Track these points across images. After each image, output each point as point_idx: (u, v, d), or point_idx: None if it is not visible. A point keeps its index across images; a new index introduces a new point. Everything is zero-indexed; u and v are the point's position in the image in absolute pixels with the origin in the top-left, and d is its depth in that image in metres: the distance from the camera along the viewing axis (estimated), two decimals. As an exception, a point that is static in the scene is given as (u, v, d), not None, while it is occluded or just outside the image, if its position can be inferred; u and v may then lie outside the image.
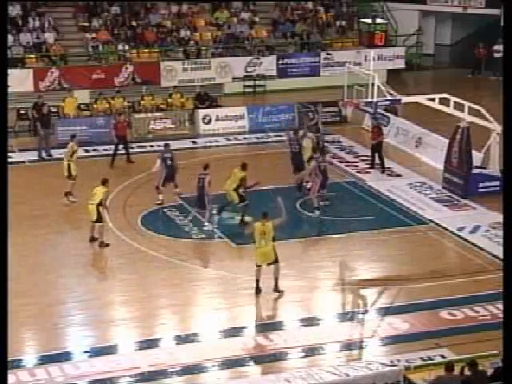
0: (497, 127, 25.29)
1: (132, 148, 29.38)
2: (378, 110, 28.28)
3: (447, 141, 26.56)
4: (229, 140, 29.67)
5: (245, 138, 31.21)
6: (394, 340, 17.78)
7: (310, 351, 17.33)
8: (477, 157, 26.02)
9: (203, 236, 22.75)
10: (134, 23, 37.07)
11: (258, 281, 19.46)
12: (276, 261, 19.36)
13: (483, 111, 25.75)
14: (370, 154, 28.41)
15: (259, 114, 32.57)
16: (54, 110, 31.10)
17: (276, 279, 19.50)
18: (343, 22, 39.71)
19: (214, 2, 39.14)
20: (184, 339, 17.79)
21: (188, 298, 19.73)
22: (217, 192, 25.51)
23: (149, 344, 17.53)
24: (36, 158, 28.69)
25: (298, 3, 40.25)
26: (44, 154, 28.80)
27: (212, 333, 18.07)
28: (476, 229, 23.32)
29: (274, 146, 29.95)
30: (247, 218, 22.92)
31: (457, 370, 14.14)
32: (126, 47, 35.93)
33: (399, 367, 15.40)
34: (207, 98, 33.44)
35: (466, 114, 25.72)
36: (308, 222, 24.14)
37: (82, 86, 33.62)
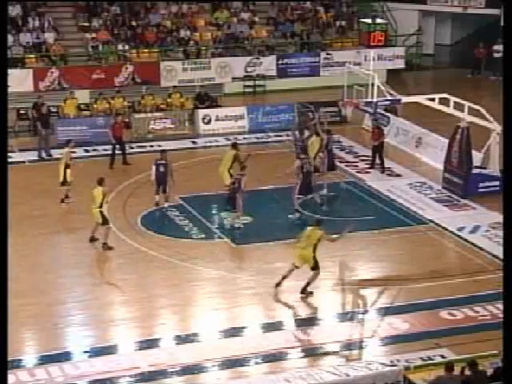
0: (497, 127, 25.29)
1: (132, 148, 29.40)
2: (378, 110, 28.28)
3: (447, 141, 26.56)
4: (229, 140, 29.61)
5: (245, 138, 31.19)
6: (394, 340, 17.79)
7: (310, 351, 17.34)
8: (477, 157, 26.02)
9: (203, 236, 22.76)
10: (133, 23, 37.06)
11: (284, 277, 19.52)
12: (315, 268, 19.41)
13: (483, 111, 25.76)
14: (369, 154, 28.44)
15: (259, 114, 32.57)
16: (53, 110, 31.12)
17: (308, 283, 19.50)
18: (343, 22, 39.70)
19: (214, 2, 39.14)
20: (184, 339, 17.79)
21: (188, 298, 19.73)
22: (216, 192, 25.59)
23: (149, 344, 17.54)
24: (36, 158, 28.69)
25: (298, 3, 40.25)
26: (44, 154, 28.80)
27: (212, 333, 18.07)
28: (476, 229, 23.32)
29: (274, 146, 29.96)
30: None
31: (457, 370, 14.15)
32: (126, 47, 35.92)
33: (399, 367, 15.41)
34: (207, 97, 33.44)
35: (466, 114, 25.72)
36: (308, 222, 24.10)
37: (82, 86, 33.60)
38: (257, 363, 16.91)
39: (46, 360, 16.84)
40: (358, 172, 27.71)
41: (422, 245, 22.51)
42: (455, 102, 26.14)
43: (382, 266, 21.49)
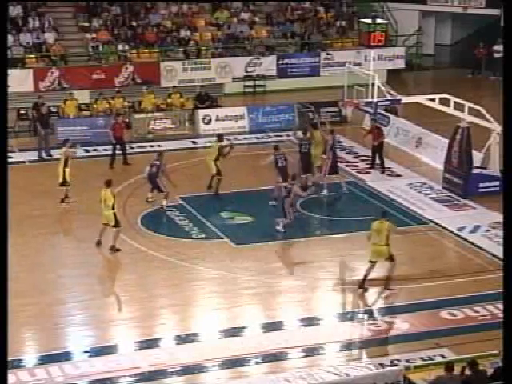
0: (497, 127, 25.29)
1: (132, 148, 29.40)
2: (378, 110, 28.27)
3: (447, 141, 26.56)
4: (229, 140, 29.57)
5: (245, 138, 31.19)
6: (394, 340, 17.79)
7: (310, 351, 17.33)
8: (477, 157, 26.01)
9: (203, 236, 22.76)
10: (134, 23, 37.08)
11: (365, 276, 19.56)
12: (391, 259, 19.44)
13: (483, 111, 25.75)
14: (369, 153, 28.44)
15: (259, 114, 32.56)
16: (53, 110, 31.12)
17: (389, 277, 19.56)
18: (343, 22, 39.70)
19: (214, 2, 39.15)
20: (184, 339, 17.79)
21: (188, 298, 19.73)
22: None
23: (149, 344, 17.53)
24: (36, 158, 28.69)
25: (298, 3, 40.25)
26: (44, 154, 28.80)
27: (212, 333, 18.07)
28: (476, 229, 23.32)
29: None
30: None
31: (457, 370, 14.15)
32: (126, 47, 35.93)
33: (399, 367, 15.41)
34: (207, 97, 33.44)
35: (466, 114, 25.71)
36: (308, 222, 24.14)
37: (82, 86, 33.60)
38: (257, 363, 16.91)
39: (46, 360, 16.83)
40: (358, 172, 27.70)
41: (422, 245, 22.50)
42: (455, 102, 26.13)
43: (381, 266, 21.44)
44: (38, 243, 22.39)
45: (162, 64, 35.35)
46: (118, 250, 21.47)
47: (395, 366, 16.12)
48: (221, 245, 22.38)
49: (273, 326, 18.34)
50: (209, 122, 31.98)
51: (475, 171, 25.65)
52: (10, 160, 25.03)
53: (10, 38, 33.75)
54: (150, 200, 24.41)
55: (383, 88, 26.57)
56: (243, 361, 16.94)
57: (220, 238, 22.71)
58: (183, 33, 37.03)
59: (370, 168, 27.74)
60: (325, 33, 39.19)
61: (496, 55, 39.23)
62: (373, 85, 25.66)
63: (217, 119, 32.06)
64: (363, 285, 19.65)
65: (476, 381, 13.94)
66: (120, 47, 35.88)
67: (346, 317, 18.81)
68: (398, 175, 27.50)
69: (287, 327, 18.43)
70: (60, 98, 32.12)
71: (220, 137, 26.08)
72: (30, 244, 22.14)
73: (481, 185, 25.48)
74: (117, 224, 21.48)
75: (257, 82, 36.84)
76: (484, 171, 25.82)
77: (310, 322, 18.50)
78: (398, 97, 27.04)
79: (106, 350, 17.26)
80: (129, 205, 24.50)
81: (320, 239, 22.78)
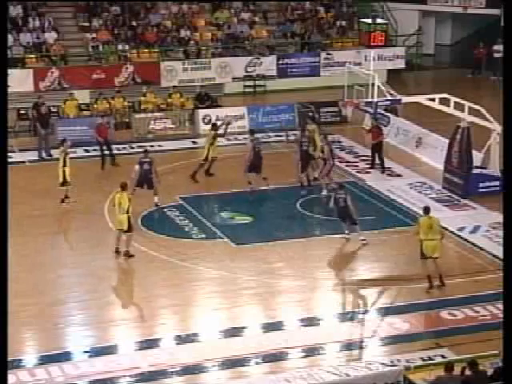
0: (497, 127, 25.28)
1: (132, 148, 29.39)
2: (378, 110, 28.26)
3: (447, 141, 26.55)
4: (229, 140, 29.61)
5: (245, 138, 31.11)
6: (394, 340, 17.78)
7: (310, 351, 17.33)
8: (477, 157, 26.01)
9: (203, 236, 22.76)
10: (134, 23, 37.08)
11: (429, 276, 19.63)
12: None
13: (483, 111, 25.75)
14: (369, 153, 28.45)
15: (259, 114, 32.56)
16: (53, 110, 31.12)
17: (441, 276, 19.67)
18: (343, 22, 39.70)
19: (214, 2, 39.15)
20: (184, 339, 17.79)
21: (188, 298, 19.73)
22: (217, 192, 25.62)
23: (149, 344, 17.53)
24: (36, 158, 28.69)
25: (298, 3, 40.25)
26: (44, 154, 28.80)
27: (212, 333, 18.07)
28: (476, 229, 23.32)
29: (274, 146, 29.94)
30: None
31: (457, 370, 14.15)
32: (126, 47, 35.94)
33: (399, 367, 15.40)
34: (207, 98, 33.44)
35: (466, 114, 25.71)
36: (308, 221, 24.14)
37: (82, 86, 33.60)
38: (257, 363, 16.90)
39: (46, 360, 16.83)
40: (358, 172, 27.70)
41: (422, 245, 22.48)
42: (455, 102, 26.13)
43: (382, 266, 21.49)
44: (38, 243, 22.39)
45: (162, 64, 35.36)
46: (132, 255, 21.14)
47: (395, 366, 16.12)
48: (221, 245, 22.38)
49: (273, 326, 18.33)
50: (209, 122, 31.87)
51: (475, 171, 25.64)
52: (10, 160, 25.02)
53: (11, 38, 33.75)
54: (157, 205, 24.24)
55: (383, 88, 26.57)
56: (243, 361, 16.94)
57: (220, 237, 22.71)
58: (183, 33, 37.03)
59: (370, 168, 27.73)
60: (325, 33, 39.20)
61: (496, 55, 39.22)
62: (373, 85, 25.66)
63: (217, 119, 31.98)
64: (432, 282, 19.65)
65: (476, 381, 13.94)
66: (120, 47, 35.88)
67: (346, 317, 18.81)
68: (398, 175, 27.50)
69: (287, 327, 18.42)
70: (60, 98, 32.14)
71: (214, 126, 26.79)
72: (29, 244, 22.14)
73: (481, 185, 25.47)
74: (129, 229, 21.06)
75: (257, 82, 36.85)
76: (484, 171, 25.82)
77: (309, 321, 18.50)
78: (398, 97, 27.03)
79: (106, 350, 17.25)
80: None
81: (320, 239, 22.77)
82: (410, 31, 41.73)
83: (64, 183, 24.34)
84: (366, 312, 19.10)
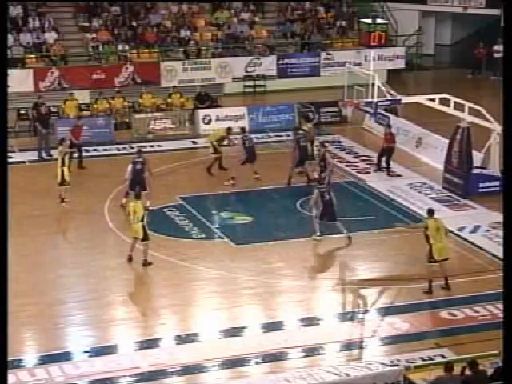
0: (497, 127, 25.28)
1: (132, 148, 29.31)
2: (378, 110, 28.24)
3: (447, 141, 26.55)
4: (229, 140, 29.60)
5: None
6: (394, 340, 17.78)
7: (310, 351, 17.33)
8: (477, 157, 26.01)
9: (203, 236, 22.76)
10: (134, 23, 37.07)
11: (446, 278, 19.66)
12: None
13: (483, 111, 25.75)
14: (369, 153, 28.47)
15: (259, 114, 32.56)
16: (53, 110, 31.13)
17: (446, 278, 19.64)
18: (343, 22, 39.70)
19: (214, 2, 39.15)
20: (184, 339, 17.79)
21: (188, 298, 19.72)
22: (217, 192, 25.63)
23: (149, 344, 17.53)
24: (36, 158, 28.68)
25: (298, 3, 40.25)
26: (44, 154, 28.79)
27: (212, 333, 18.07)
28: (476, 229, 23.32)
29: (274, 146, 29.94)
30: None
31: (457, 370, 14.15)
32: (126, 47, 35.94)
33: (399, 367, 15.41)
34: (207, 98, 33.44)
35: (466, 114, 25.71)
36: (308, 221, 24.12)
37: (82, 86, 33.60)
38: (257, 363, 16.90)
39: (46, 360, 16.83)
40: (358, 172, 27.69)
41: (422, 245, 22.42)
42: (455, 102, 26.13)
43: (382, 266, 21.48)
44: (38, 243, 22.39)
45: (162, 64, 35.35)
46: (150, 263, 20.87)
47: (395, 366, 16.12)
48: (221, 245, 22.38)
49: (273, 326, 18.33)
50: (209, 122, 31.98)
51: (475, 171, 25.64)
52: (10, 160, 25.04)
53: (11, 38, 33.75)
54: (148, 208, 24.08)
55: (383, 88, 26.55)
56: (243, 361, 16.94)
57: (220, 237, 22.71)
58: (183, 33, 37.03)
59: (376, 170, 27.57)
60: (325, 33, 39.20)
61: (496, 55, 39.23)
62: (373, 85, 25.65)
63: (217, 119, 32.05)
64: (432, 288, 19.63)
65: (476, 381, 13.94)
66: (120, 47, 35.88)
67: (346, 317, 18.80)
68: (398, 175, 27.48)
69: (287, 327, 18.42)
70: (60, 98, 32.13)
71: (229, 129, 27.10)
72: (29, 244, 22.14)
73: (481, 185, 25.48)
74: (145, 237, 20.79)
75: (257, 82, 36.85)
76: (484, 171, 25.82)
77: (309, 321, 18.50)
78: (398, 97, 27.02)
79: (106, 350, 17.25)
80: (125, 205, 24.45)
81: (320, 239, 22.76)
82: (410, 31, 41.73)
83: (62, 183, 24.33)
84: (365, 312, 19.09)
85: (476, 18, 43.06)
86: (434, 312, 18.86)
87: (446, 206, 24.95)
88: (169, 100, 32.86)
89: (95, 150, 29.77)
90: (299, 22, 39.09)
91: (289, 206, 24.66)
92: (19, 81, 32.31)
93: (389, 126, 27.98)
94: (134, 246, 20.99)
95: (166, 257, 21.34)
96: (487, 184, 25.41)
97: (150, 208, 23.60)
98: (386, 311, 18.96)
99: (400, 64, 39.00)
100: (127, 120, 31.86)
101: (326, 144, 26.17)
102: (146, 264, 20.82)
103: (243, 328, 18.26)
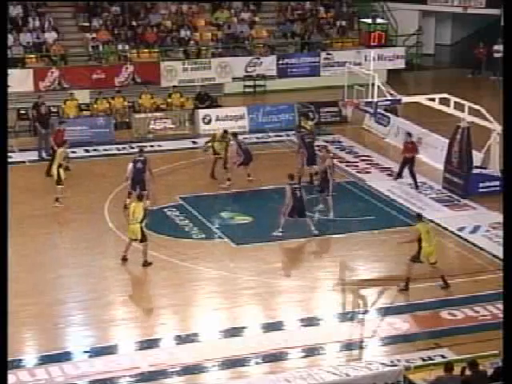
0: (497, 127, 25.28)
1: (132, 148, 29.33)
2: (378, 110, 28.25)
3: (447, 141, 26.55)
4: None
5: (245, 138, 31.08)
6: (394, 340, 17.78)
7: (310, 351, 17.33)
8: (477, 157, 26.01)
9: (203, 236, 22.76)
10: (134, 23, 37.05)
11: (409, 278, 19.66)
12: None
13: (483, 111, 25.75)
14: (370, 154, 28.46)
15: (259, 114, 32.56)
16: (54, 110, 31.13)
17: (443, 276, 19.76)
18: (343, 22, 39.69)
19: (214, 2, 39.14)
20: (184, 339, 17.79)
21: (188, 298, 19.73)
22: (217, 192, 25.63)
23: (149, 344, 17.53)
24: (36, 158, 28.67)
25: (298, 3, 40.25)
26: (44, 154, 28.76)
27: (212, 333, 18.07)
28: (476, 229, 23.32)
29: (273, 146, 29.94)
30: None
31: (457, 370, 14.15)
32: (126, 47, 35.92)
33: (399, 367, 15.41)
34: (207, 97, 33.44)
35: (466, 114, 25.71)
36: (308, 221, 24.12)
37: (82, 86, 33.59)
38: (257, 363, 16.90)
39: (46, 360, 16.83)
40: (358, 172, 27.69)
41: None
42: (455, 102, 26.13)
43: (382, 266, 21.49)
44: (37, 243, 22.39)
45: (162, 64, 35.34)
46: (150, 263, 20.85)
47: (395, 366, 16.12)
48: (221, 245, 22.38)
49: (273, 326, 18.33)
50: (209, 122, 31.97)
51: (475, 171, 25.64)
52: (10, 160, 25.02)
53: (11, 38, 33.74)
54: (148, 208, 24.01)
55: (383, 88, 26.56)
56: (243, 361, 16.94)
57: (220, 237, 22.71)
58: (183, 33, 37.02)
59: (395, 179, 26.61)
60: (325, 33, 39.19)
61: (496, 55, 39.23)
62: (373, 85, 25.64)
63: (217, 119, 32.04)
64: (408, 285, 19.70)
65: (476, 381, 13.94)
66: (120, 47, 35.86)
67: (346, 317, 18.81)
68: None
69: (287, 327, 18.42)
70: (60, 98, 32.14)
71: (234, 135, 26.67)
72: (29, 244, 22.14)
73: (481, 185, 25.48)
74: (144, 238, 20.77)
75: (257, 82, 36.84)
76: (484, 171, 25.82)
77: (309, 321, 18.50)
78: (398, 97, 27.02)
79: (106, 350, 17.26)
80: (128, 205, 24.46)
81: (320, 239, 22.77)
82: (410, 31, 41.72)
83: (59, 182, 24.38)
84: (365, 312, 19.09)
85: (476, 18, 43.06)
86: (433, 312, 18.86)
87: (446, 205, 24.96)
88: (169, 100, 32.86)
89: (95, 150, 29.77)
90: (299, 22, 39.08)
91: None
92: (19, 81, 32.29)
93: (409, 135, 26.72)
94: (129, 246, 20.97)
95: (166, 257, 21.34)
96: (487, 184, 25.41)
97: (150, 208, 23.63)
98: (386, 311, 18.96)
99: (400, 64, 38.99)
100: (127, 120, 31.86)
101: (329, 149, 25.86)
102: (146, 264, 20.82)
103: (243, 328, 18.27)
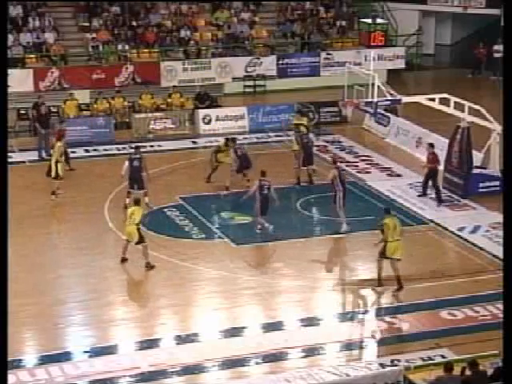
0: (497, 127, 25.29)
1: (132, 148, 29.26)
2: (378, 110, 28.25)
3: (447, 141, 26.55)
4: (228, 138, 29.62)
5: (245, 138, 31.13)
6: (394, 340, 17.79)
7: (310, 351, 17.33)
8: (477, 157, 26.01)
9: (203, 236, 22.75)
10: (134, 23, 37.07)
11: (380, 275, 19.80)
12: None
13: (483, 111, 25.75)
14: (370, 154, 28.45)
15: (259, 114, 32.55)
16: (54, 110, 31.12)
17: (399, 277, 19.73)
18: (343, 22, 39.69)
19: (214, 2, 39.15)
20: (184, 339, 17.79)
21: (188, 298, 19.73)
22: (217, 192, 25.63)
23: (149, 344, 17.53)
24: (36, 158, 28.67)
25: (298, 3, 40.25)
26: (44, 154, 28.76)
27: (212, 333, 18.07)
28: (476, 229, 23.32)
29: (273, 146, 29.93)
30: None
31: (457, 370, 14.15)
32: (126, 47, 35.93)
33: (399, 367, 15.39)
34: (207, 97, 33.44)
35: (466, 114, 25.71)
36: (308, 221, 24.14)
37: (82, 86, 33.59)
38: (257, 363, 16.90)
39: (46, 360, 16.83)
40: (358, 172, 27.69)
41: (422, 245, 22.50)
42: (455, 102, 26.14)
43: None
44: (37, 243, 22.39)
45: (162, 64, 35.35)
46: (153, 266, 20.74)
47: (395, 366, 16.12)
48: (221, 245, 22.38)
49: (273, 326, 18.33)
50: (209, 122, 31.98)
51: (475, 171, 25.64)
52: (10, 160, 25.04)
53: (11, 38, 33.75)
54: (149, 206, 24.09)
55: (383, 88, 26.57)
56: (243, 361, 16.94)
57: (220, 237, 22.71)
58: (183, 33, 37.03)
59: (420, 196, 25.49)
60: (325, 33, 39.20)
61: (496, 55, 39.24)
62: (373, 85, 25.66)
63: (217, 119, 32.06)
64: (381, 281, 19.79)
65: (476, 381, 13.94)
66: (120, 47, 35.87)
67: (346, 317, 18.81)
68: (398, 175, 27.50)
69: (287, 327, 18.42)
70: (60, 98, 32.14)
71: (227, 141, 26.20)
72: (29, 244, 22.13)
73: (481, 185, 25.48)
74: (141, 240, 20.70)
75: (257, 82, 36.85)
76: (484, 171, 25.82)
77: (309, 321, 18.50)
78: (398, 97, 27.03)
79: (106, 350, 17.26)
80: (129, 205, 24.45)
81: (320, 239, 22.78)
82: (410, 31, 41.73)
83: (56, 177, 24.41)
84: (365, 312, 19.10)
85: (476, 18, 43.07)
86: (434, 312, 18.85)
87: (446, 205, 24.94)
88: (169, 100, 32.86)
89: (95, 150, 29.78)
90: (299, 22, 39.09)
91: (289, 206, 24.65)
92: (19, 81, 32.30)
93: (431, 145, 25.45)
94: (126, 247, 20.94)
95: (166, 257, 21.34)
96: (487, 184, 25.41)
97: (150, 205, 23.70)
98: (386, 311, 18.96)
99: (400, 64, 39.01)
100: (127, 120, 31.86)
101: (337, 161, 24.75)
102: (148, 266, 20.72)
103: (243, 328, 18.27)
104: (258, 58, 36.90)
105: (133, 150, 24.73)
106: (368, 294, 19.78)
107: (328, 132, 31.61)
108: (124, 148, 29.58)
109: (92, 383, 16.19)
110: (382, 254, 19.65)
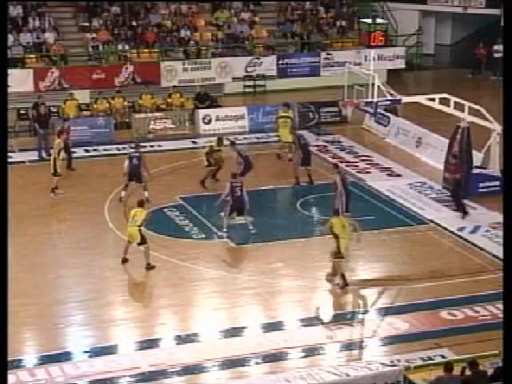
0: (497, 127, 25.29)
1: (132, 148, 29.32)
2: (378, 110, 28.25)
3: (447, 141, 26.55)
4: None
5: (245, 138, 31.17)
6: (394, 340, 17.78)
7: (310, 351, 17.33)
8: (477, 157, 26.01)
9: (203, 236, 22.75)
10: (134, 23, 37.07)
11: (343, 275, 19.84)
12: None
13: (483, 111, 25.75)
14: (370, 154, 28.46)
15: (259, 114, 32.55)
16: (53, 110, 31.12)
17: (343, 275, 19.83)
18: (343, 22, 39.69)
19: (214, 2, 39.15)
20: (184, 339, 17.79)
21: (188, 298, 19.73)
22: (217, 192, 25.61)
23: (149, 344, 17.53)
24: (36, 158, 28.67)
25: (298, 3, 40.25)
26: (44, 154, 28.76)
27: (212, 333, 18.07)
28: (476, 229, 23.32)
29: (274, 146, 29.92)
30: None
31: (457, 370, 14.15)
32: (126, 47, 35.94)
33: (399, 367, 15.40)
34: (207, 97, 33.44)
35: (466, 114, 25.71)
36: (308, 221, 24.13)
37: (82, 86, 33.60)
38: (257, 363, 16.90)
39: (46, 360, 16.83)
40: (358, 172, 27.69)
41: (422, 245, 22.50)
42: (455, 102, 26.14)
43: (382, 266, 21.49)
44: (37, 243, 22.39)
45: (162, 64, 35.35)
46: (153, 267, 20.73)
47: (395, 366, 16.12)
48: (221, 245, 22.38)
49: (273, 326, 18.33)
50: (209, 122, 31.99)
51: (475, 171, 25.64)
52: (10, 160, 25.03)
53: (11, 38, 33.75)
54: (147, 200, 24.08)
55: (383, 88, 26.57)
56: (243, 361, 16.94)
57: (220, 237, 22.71)
58: (183, 33, 37.03)
59: (457, 211, 24.16)
60: (325, 33, 39.20)
61: (496, 55, 39.23)
62: (373, 85, 25.66)
63: (217, 119, 32.06)
64: (345, 281, 19.83)
65: (476, 381, 13.95)
66: (120, 47, 35.88)
67: (346, 317, 18.80)
68: (398, 175, 27.49)
69: (287, 327, 18.42)
70: (60, 98, 32.13)
71: (219, 140, 26.27)
72: (29, 244, 22.14)
73: (481, 185, 25.48)
74: (143, 241, 20.68)
75: (257, 82, 36.85)
76: (484, 171, 25.82)
77: (309, 321, 18.50)
78: (398, 97, 27.03)
79: (106, 350, 17.26)
80: (128, 205, 24.42)
81: (320, 239, 22.76)
82: (410, 31, 41.73)
83: (55, 174, 24.42)
84: (366, 312, 19.10)
85: (476, 18, 43.07)
86: (433, 312, 18.85)
87: (446, 205, 24.93)
88: (169, 100, 32.87)
89: (95, 150, 29.79)
90: (299, 22, 39.08)
91: (289, 206, 24.65)
92: (19, 81, 32.31)
93: (455, 156, 24.94)
94: (127, 248, 20.93)
95: (166, 257, 21.34)
96: (487, 184, 25.41)
97: (150, 199, 23.72)
98: (386, 311, 18.96)
99: (400, 64, 39.01)
100: (127, 120, 31.87)
101: (339, 166, 24.61)
102: (149, 267, 20.71)
103: (243, 328, 18.27)
104: (258, 58, 36.92)
105: (133, 148, 24.80)
106: (368, 294, 19.78)
107: (328, 132, 31.63)
108: (124, 148, 29.55)
109: (92, 383, 16.19)
110: (338, 254, 19.68)
